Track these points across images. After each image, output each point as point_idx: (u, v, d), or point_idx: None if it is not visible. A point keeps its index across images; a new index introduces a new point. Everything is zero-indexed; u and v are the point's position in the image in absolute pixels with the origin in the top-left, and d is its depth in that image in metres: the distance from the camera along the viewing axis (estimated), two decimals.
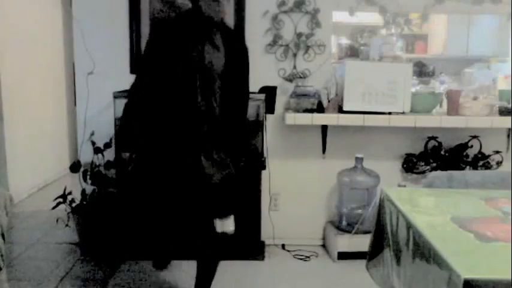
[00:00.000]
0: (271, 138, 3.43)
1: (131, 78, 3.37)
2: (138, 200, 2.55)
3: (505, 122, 3.21)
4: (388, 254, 1.84)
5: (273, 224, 3.47)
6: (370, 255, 2.04)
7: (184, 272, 2.98)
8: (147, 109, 2.33)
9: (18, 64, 4.64)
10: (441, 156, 3.40)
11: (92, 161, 3.31)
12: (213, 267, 2.52)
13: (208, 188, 2.30)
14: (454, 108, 3.24)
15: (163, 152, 2.32)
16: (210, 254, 2.50)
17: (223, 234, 2.37)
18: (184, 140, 2.29)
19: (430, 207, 1.89)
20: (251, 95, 3.25)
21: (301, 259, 3.32)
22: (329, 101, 3.23)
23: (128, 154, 2.49)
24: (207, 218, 2.37)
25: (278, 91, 3.32)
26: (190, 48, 2.26)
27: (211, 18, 2.28)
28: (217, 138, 2.32)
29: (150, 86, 2.32)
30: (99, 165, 3.31)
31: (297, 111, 3.26)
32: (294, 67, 3.42)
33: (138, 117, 2.37)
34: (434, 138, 3.42)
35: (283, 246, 3.49)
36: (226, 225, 2.37)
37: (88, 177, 3.28)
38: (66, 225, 3.29)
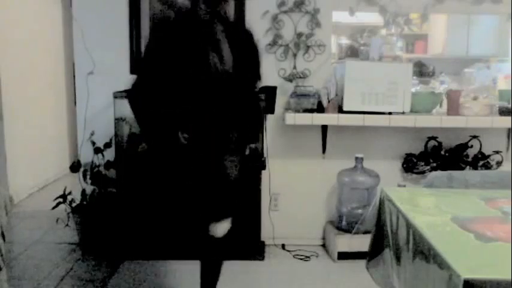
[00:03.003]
0: (271, 138, 3.43)
1: (131, 78, 3.41)
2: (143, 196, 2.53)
3: (505, 122, 3.21)
4: (388, 254, 1.84)
5: (273, 224, 3.47)
6: (370, 255, 2.04)
7: (184, 272, 2.99)
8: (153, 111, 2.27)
9: (18, 64, 4.64)
10: (441, 156, 3.40)
11: (92, 161, 3.31)
12: (216, 268, 2.50)
13: (224, 186, 2.26)
14: (454, 108, 3.23)
15: (179, 152, 2.27)
16: (212, 254, 2.49)
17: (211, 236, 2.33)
18: (200, 141, 2.25)
19: (430, 207, 1.88)
20: None
21: (301, 259, 3.32)
22: (329, 101, 3.23)
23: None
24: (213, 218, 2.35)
25: (278, 91, 3.32)
26: (195, 49, 2.22)
27: (212, 15, 2.25)
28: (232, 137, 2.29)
29: (157, 88, 2.25)
30: (99, 165, 3.31)
31: (297, 111, 3.26)
32: (294, 67, 3.42)
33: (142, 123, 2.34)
34: (434, 138, 3.42)
35: (283, 246, 3.49)
36: (219, 228, 2.33)
37: (88, 177, 3.28)
38: (66, 225, 3.30)
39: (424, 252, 1.42)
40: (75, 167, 3.33)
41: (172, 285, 2.92)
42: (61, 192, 3.25)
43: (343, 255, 3.22)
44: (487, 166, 3.39)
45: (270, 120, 3.39)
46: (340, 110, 3.20)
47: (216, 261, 2.51)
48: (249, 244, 3.25)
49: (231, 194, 2.34)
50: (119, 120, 3.19)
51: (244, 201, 2.46)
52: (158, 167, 2.37)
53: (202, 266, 2.49)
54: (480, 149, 3.42)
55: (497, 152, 3.43)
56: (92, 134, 3.36)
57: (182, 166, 2.26)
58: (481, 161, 3.39)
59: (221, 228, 2.32)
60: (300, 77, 3.40)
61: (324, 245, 3.52)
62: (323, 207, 3.55)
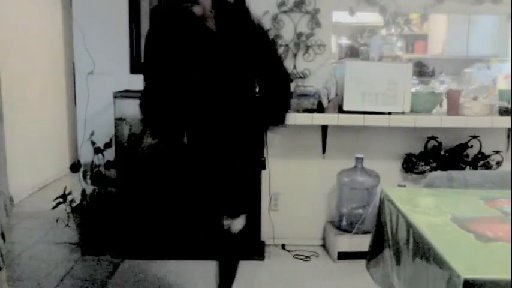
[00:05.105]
0: (271, 138, 3.42)
1: (131, 78, 3.42)
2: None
3: (505, 122, 3.21)
4: (388, 254, 1.84)
5: (273, 224, 3.47)
6: (370, 255, 2.04)
7: (184, 271, 2.99)
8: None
9: (18, 64, 4.64)
10: (441, 156, 3.39)
11: (92, 161, 3.31)
12: (233, 267, 2.49)
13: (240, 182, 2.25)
14: (454, 108, 3.24)
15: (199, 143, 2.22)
16: (229, 253, 2.48)
17: (228, 231, 2.31)
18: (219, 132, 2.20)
19: (430, 207, 1.88)
20: None
21: (301, 259, 3.32)
22: (329, 101, 3.23)
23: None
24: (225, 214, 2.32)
25: None
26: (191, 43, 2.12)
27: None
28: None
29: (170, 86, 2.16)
30: (99, 165, 3.31)
31: (297, 111, 3.25)
32: (294, 67, 3.42)
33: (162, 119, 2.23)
34: (434, 138, 3.42)
35: (283, 246, 3.49)
36: (235, 223, 2.31)
37: (88, 177, 3.28)
38: (66, 225, 3.29)
39: (424, 252, 1.42)
40: (75, 167, 3.33)
41: (172, 285, 2.92)
42: (61, 192, 3.25)
43: (343, 255, 3.22)
44: (487, 166, 3.39)
45: None
46: (340, 110, 3.20)
47: (233, 259, 2.50)
48: (249, 244, 3.25)
49: (246, 190, 2.33)
50: (119, 120, 3.19)
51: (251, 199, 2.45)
52: (168, 164, 2.32)
53: (220, 266, 2.46)
54: (480, 149, 3.42)
55: (497, 152, 3.42)
56: (92, 134, 3.36)
57: (198, 161, 2.20)
58: (481, 161, 3.39)
59: (238, 224, 2.31)
60: (300, 77, 3.40)
61: (324, 245, 3.52)
62: (323, 207, 3.55)
